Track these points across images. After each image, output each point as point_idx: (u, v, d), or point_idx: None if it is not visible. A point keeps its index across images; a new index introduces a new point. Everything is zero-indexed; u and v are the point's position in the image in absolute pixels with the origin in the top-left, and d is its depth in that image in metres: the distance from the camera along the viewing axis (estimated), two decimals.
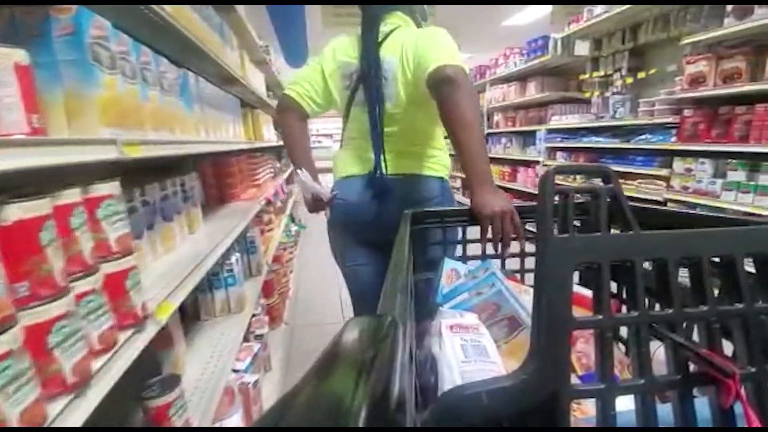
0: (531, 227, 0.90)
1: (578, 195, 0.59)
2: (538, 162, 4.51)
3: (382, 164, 1.16)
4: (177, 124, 1.07)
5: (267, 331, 1.74)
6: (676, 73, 3.05)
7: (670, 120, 2.91)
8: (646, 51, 3.44)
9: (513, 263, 0.87)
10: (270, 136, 2.90)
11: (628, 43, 3.42)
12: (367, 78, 1.14)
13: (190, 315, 1.37)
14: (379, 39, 1.15)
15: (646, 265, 0.36)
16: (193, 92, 1.23)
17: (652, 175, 3.08)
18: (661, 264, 0.36)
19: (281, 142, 3.33)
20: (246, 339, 1.56)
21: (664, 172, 2.95)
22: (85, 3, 0.66)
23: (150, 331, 0.72)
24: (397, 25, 1.18)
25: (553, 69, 4.61)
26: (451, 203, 1.28)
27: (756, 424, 0.31)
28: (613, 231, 0.59)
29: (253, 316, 1.69)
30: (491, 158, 5.34)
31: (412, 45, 1.10)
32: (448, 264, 0.80)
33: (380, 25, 1.16)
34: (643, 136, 3.13)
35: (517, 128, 5.07)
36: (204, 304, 1.40)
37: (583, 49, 3.95)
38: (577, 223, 0.73)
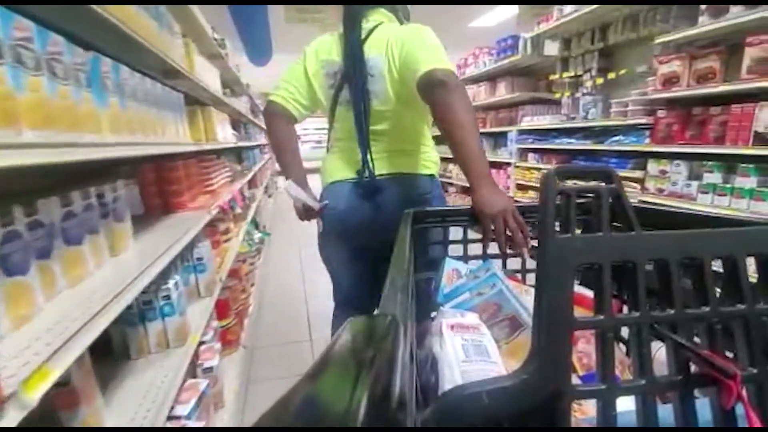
0: (532, 228, 0.90)
1: (580, 195, 0.59)
2: (509, 164, 4.44)
3: (370, 164, 1.15)
4: (79, 121, 0.82)
5: (218, 363, 1.49)
6: (646, 73, 3.01)
7: (643, 121, 2.85)
8: (616, 51, 3.42)
9: (514, 263, 0.87)
10: (227, 137, 2.69)
11: (598, 43, 3.39)
12: (351, 76, 1.14)
13: (119, 354, 1.15)
14: (363, 36, 1.14)
15: (648, 266, 0.36)
16: (111, 83, 0.98)
17: (626, 177, 2.92)
18: (662, 264, 0.36)
19: (241, 143, 3.33)
20: (192, 374, 1.38)
21: (638, 174, 2.88)
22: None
23: (12, 418, 0.50)
24: (379, 21, 1.16)
25: (523, 69, 4.55)
26: (443, 202, 1.28)
27: (757, 425, 0.31)
28: (615, 231, 0.59)
29: (202, 344, 1.51)
30: None
31: (398, 43, 1.09)
32: (449, 264, 0.80)
33: (362, 22, 1.15)
34: (616, 138, 3.07)
35: (488, 129, 4.94)
36: (134, 340, 1.15)
37: (552, 49, 3.89)
38: (579, 223, 0.73)
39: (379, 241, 1.18)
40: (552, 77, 4.02)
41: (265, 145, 8.37)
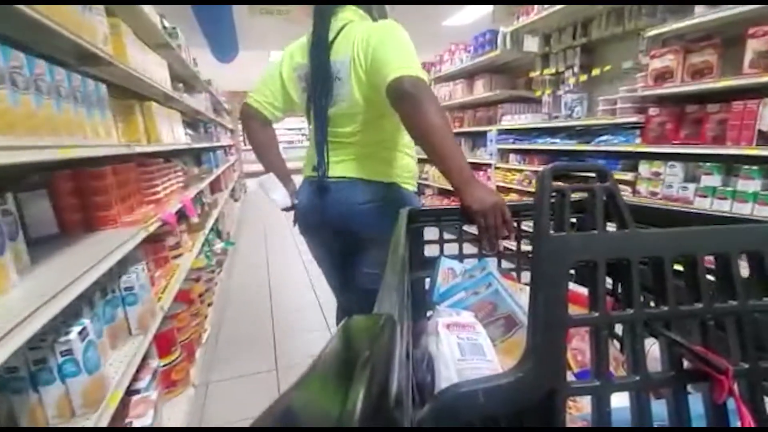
0: (527, 226, 0.90)
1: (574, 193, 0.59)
2: (490, 165, 4.15)
3: (324, 165, 1.16)
4: None
5: (153, 419, 1.23)
6: (633, 69, 2.87)
7: (634, 120, 2.65)
8: (599, 47, 3.27)
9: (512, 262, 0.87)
10: (178, 137, 2.37)
11: (580, 38, 3.21)
12: (313, 78, 1.14)
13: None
14: (331, 37, 1.11)
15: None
16: None
17: (615, 179, 2.84)
18: (656, 262, 0.36)
19: (198, 144, 3.16)
20: None
21: (629, 176, 2.68)
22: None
23: None
24: (349, 20, 1.13)
25: (502, 66, 4.34)
26: (392, 212, 0.95)
27: (748, 419, 0.31)
28: (609, 229, 0.60)
29: (132, 394, 1.25)
30: None
31: (363, 43, 1.05)
32: (445, 263, 0.81)
33: (330, 21, 1.13)
34: (604, 137, 2.87)
35: (466, 129, 4.62)
36: (24, 412, 0.87)
37: (532, 44, 3.65)
38: (573, 220, 0.74)
39: (336, 239, 1.23)
40: (532, 74, 3.85)
41: (231, 145, 7.87)
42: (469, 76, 4.59)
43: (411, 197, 1.21)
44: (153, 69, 2.07)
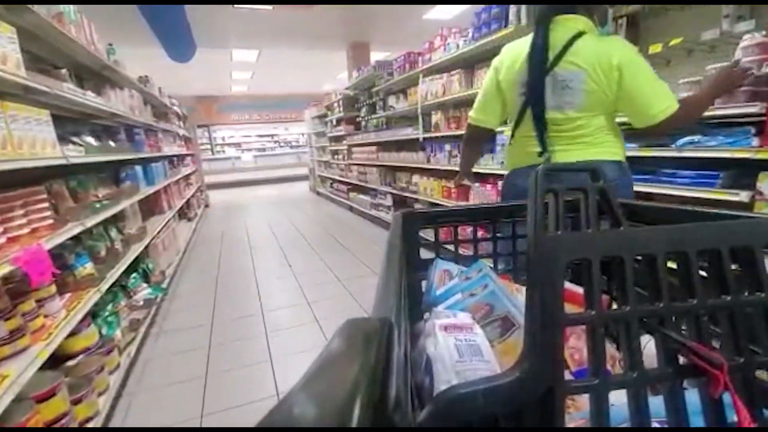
0: (522, 227, 0.90)
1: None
2: (500, 176, 2.97)
3: (548, 156, 1.35)
4: None
5: None
6: (716, 41, 2.02)
7: (748, 111, 1.69)
8: (650, 17, 2.38)
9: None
10: (38, 148, 1.53)
11: (627, 5, 2.30)
12: (533, 84, 1.31)
13: None
14: (564, 43, 1.24)
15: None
16: None
17: (714, 200, 1.82)
18: (649, 259, 0.37)
19: (104, 157, 2.26)
20: None
21: (740, 195, 1.74)
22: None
23: None
24: (578, 30, 1.26)
25: None
26: (630, 191, 1.38)
27: (744, 412, 0.31)
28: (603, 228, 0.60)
29: None
30: (430, 169, 4.51)
31: (613, 69, 1.21)
32: (440, 265, 0.81)
33: (550, 25, 1.28)
34: (690, 139, 1.94)
35: (464, 131, 3.37)
36: None
37: None
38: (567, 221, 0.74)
39: None
40: None
41: (187, 155, 6.76)
42: (468, 65, 3.68)
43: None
44: None
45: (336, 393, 0.16)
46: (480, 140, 1.70)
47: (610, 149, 1.33)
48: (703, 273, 0.37)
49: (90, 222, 1.92)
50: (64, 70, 2.24)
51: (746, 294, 0.37)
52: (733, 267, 0.37)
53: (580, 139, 1.32)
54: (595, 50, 1.22)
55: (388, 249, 0.59)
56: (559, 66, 1.26)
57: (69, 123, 2.61)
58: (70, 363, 1.69)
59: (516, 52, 1.39)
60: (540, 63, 1.28)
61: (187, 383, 2.09)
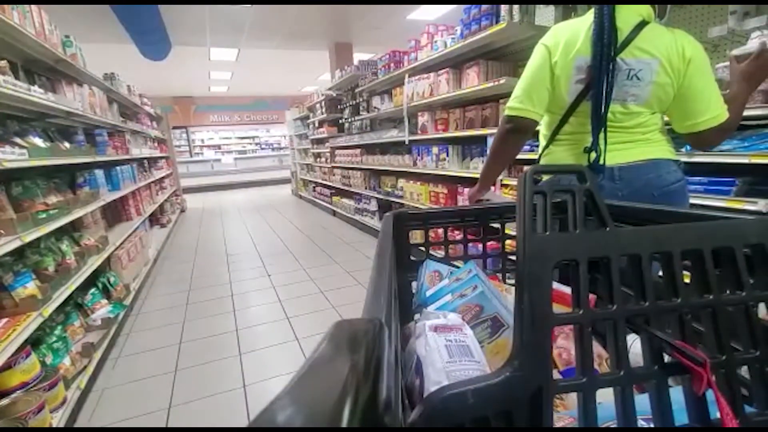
0: (510, 228, 0.91)
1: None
2: (504, 185, 2.95)
3: (602, 156, 1.19)
4: None
5: None
6: (725, 39, 1.99)
7: (766, 112, 1.57)
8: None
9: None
10: None
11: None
12: (601, 74, 1.13)
13: None
14: (630, 28, 1.12)
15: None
16: None
17: (728, 210, 1.63)
18: (635, 259, 0.37)
19: (54, 160, 1.98)
20: None
21: (758, 205, 1.59)
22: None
23: None
24: (643, 17, 1.14)
25: (504, 49, 3.25)
26: (685, 197, 1.26)
27: (726, 408, 0.32)
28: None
29: None
30: (417, 173, 4.41)
31: (684, 61, 1.12)
32: (431, 266, 0.81)
33: (615, 11, 1.12)
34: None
35: (453, 133, 3.54)
36: None
37: (546, 15, 2.63)
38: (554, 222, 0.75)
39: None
40: None
41: (161, 158, 6.41)
42: (456, 64, 3.49)
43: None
44: None
45: (326, 393, 0.16)
46: (525, 136, 1.33)
47: (669, 147, 1.23)
48: (686, 272, 0.38)
49: (30, 236, 1.64)
50: (3, 62, 1.99)
51: (728, 293, 0.37)
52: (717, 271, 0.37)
53: (641, 136, 1.20)
54: (667, 39, 1.11)
55: (379, 250, 0.59)
56: (626, 52, 1.12)
57: (14, 122, 2.35)
58: (3, 402, 1.45)
59: (573, 31, 1.19)
60: (608, 46, 1.10)
61: (148, 415, 1.83)
